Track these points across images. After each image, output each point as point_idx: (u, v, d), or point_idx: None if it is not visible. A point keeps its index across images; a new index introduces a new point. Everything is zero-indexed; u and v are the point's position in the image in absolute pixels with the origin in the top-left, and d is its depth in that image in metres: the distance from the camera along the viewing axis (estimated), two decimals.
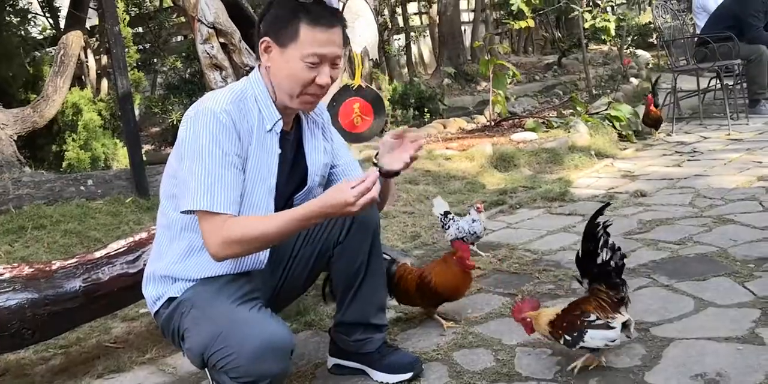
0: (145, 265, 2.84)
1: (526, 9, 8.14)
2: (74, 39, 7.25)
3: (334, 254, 2.79)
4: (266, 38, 2.43)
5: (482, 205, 4.30)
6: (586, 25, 8.86)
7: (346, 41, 2.82)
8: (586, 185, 5.79)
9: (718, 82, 8.26)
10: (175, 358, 3.21)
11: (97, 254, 3.13)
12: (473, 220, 4.18)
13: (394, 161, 2.68)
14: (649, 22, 12.93)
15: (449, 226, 4.26)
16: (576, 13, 8.79)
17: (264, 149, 2.47)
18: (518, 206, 5.28)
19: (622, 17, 9.06)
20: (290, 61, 2.42)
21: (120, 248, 3.16)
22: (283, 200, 2.60)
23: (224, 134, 2.34)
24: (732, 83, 8.47)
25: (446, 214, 4.31)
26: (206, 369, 2.42)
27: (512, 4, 8.27)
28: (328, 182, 2.81)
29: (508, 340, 3.11)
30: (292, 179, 2.64)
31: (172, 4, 6.31)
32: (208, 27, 4.52)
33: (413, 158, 2.68)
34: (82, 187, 5.80)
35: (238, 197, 2.37)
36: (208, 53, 4.46)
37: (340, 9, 7.24)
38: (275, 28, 2.41)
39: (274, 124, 2.49)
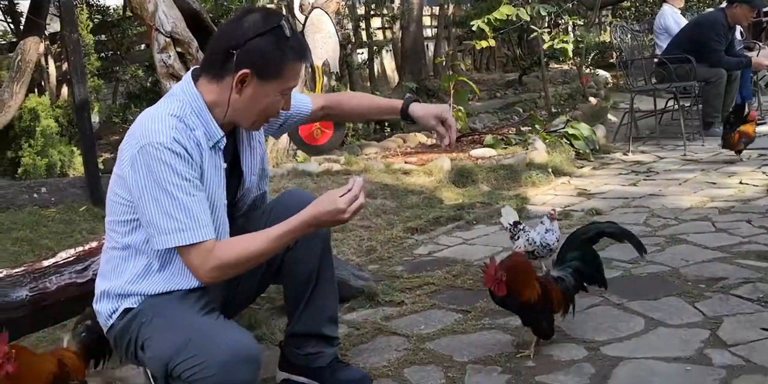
0: (94, 274, 2.80)
1: (486, 29, 8.17)
2: (32, 45, 7.17)
3: (284, 261, 2.77)
4: (246, 71, 2.34)
5: (555, 212, 4.07)
6: (545, 46, 8.91)
7: None
8: (543, 202, 5.81)
9: (675, 102, 8.36)
10: (123, 370, 3.16)
11: (46, 263, 3.07)
12: (546, 230, 3.91)
13: (429, 118, 2.86)
14: (609, 41, 13.07)
15: (519, 237, 4.01)
16: (535, 33, 8.85)
17: (212, 166, 2.43)
18: (475, 222, 5.28)
19: (580, 39, 9.12)
20: (269, 95, 2.41)
21: (69, 257, 3.10)
22: (229, 207, 2.56)
23: (180, 163, 2.29)
24: (689, 104, 8.56)
25: (516, 224, 4.08)
26: (167, 380, 2.31)
27: (473, 25, 8.29)
28: (292, 126, 2.96)
29: (459, 357, 3.11)
30: (231, 184, 2.60)
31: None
32: (166, 36, 4.49)
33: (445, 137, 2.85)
34: (35, 195, 5.74)
35: (210, 218, 2.34)
36: (164, 62, 4.43)
37: (303, 22, 7.26)
38: (260, 63, 2.35)
39: (217, 142, 2.44)
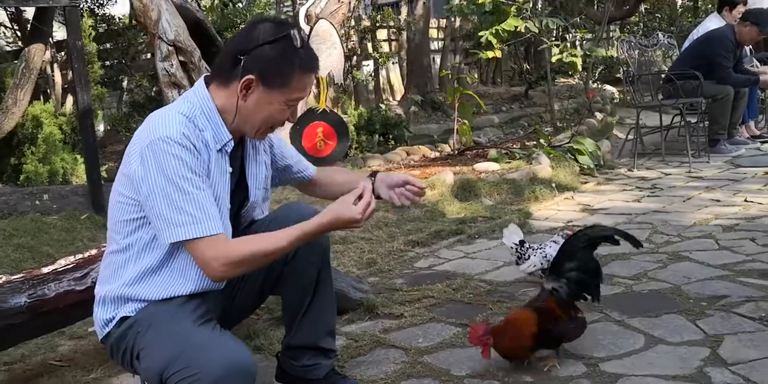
0: (93, 282, 2.78)
1: (494, 41, 8.17)
2: (36, 52, 7.19)
3: (283, 272, 2.75)
4: (251, 77, 2.35)
5: (572, 232, 3.78)
6: (554, 59, 8.89)
7: None
8: (545, 218, 5.79)
9: (681, 119, 8.33)
10: (120, 378, 3.15)
11: (45, 270, 3.07)
12: None
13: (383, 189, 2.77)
14: (616, 56, 13.05)
15: (529, 256, 3.86)
16: (545, 45, 8.85)
17: (219, 168, 2.42)
18: (477, 236, 5.26)
19: (589, 53, 9.11)
20: (273, 103, 2.40)
21: (68, 265, 3.10)
22: (231, 218, 2.53)
23: (189, 156, 2.29)
24: (695, 121, 8.53)
25: (522, 243, 3.93)
26: None
27: (481, 36, 8.30)
28: (289, 181, 2.91)
29: (457, 370, 3.08)
30: (236, 196, 2.58)
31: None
32: (168, 45, 4.49)
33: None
34: (37, 202, 5.74)
35: (219, 213, 2.34)
36: (167, 71, 4.43)
37: (308, 32, 7.25)
38: (267, 70, 2.35)
39: (225, 145, 2.44)
